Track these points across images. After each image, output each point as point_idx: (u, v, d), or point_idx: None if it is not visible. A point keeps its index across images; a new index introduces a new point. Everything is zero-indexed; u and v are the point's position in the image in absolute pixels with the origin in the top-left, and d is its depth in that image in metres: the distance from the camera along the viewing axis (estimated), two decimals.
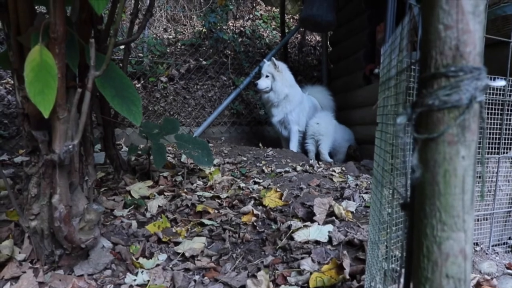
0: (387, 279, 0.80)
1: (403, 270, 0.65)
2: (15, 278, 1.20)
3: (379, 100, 0.91)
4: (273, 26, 6.88)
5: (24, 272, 1.21)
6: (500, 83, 0.48)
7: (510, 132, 1.51)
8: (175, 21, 6.22)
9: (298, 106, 3.89)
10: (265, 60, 3.88)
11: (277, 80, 3.77)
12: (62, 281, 1.19)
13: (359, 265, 1.26)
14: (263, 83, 3.77)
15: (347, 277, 1.16)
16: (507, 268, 1.39)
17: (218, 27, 5.38)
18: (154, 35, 4.97)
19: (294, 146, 3.86)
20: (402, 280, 0.70)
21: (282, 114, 3.85)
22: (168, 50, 4.88)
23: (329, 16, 4.25)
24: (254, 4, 7.02)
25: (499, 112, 1.50)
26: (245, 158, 3.13)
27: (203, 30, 5.37)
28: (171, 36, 5.06)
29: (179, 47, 5.03)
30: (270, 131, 4.62)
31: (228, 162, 3.00)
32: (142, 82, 4.07)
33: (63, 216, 1.08)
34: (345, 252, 1.29)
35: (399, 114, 0.54)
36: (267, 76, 3.78)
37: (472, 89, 0.46)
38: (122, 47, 4.44)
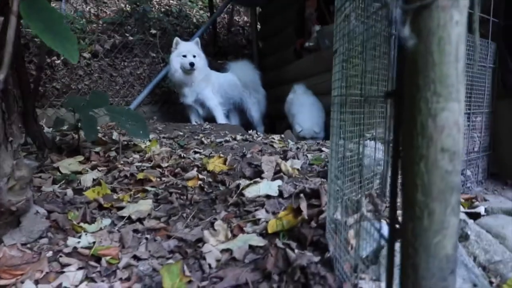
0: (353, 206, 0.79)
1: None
2: None
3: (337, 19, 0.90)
4: (199, 6, 6.72)
5: None
6: None
7: None
8: None
9: (209, 84, 3.92)
10: (177, 39, 3.76)
11: (202, 59, 3.78)
12: None
13: (314, 209, 1.26)
14: (197, 63, 3.69)
15: (306, 217, 1.15)
16: None
17: (141, 5, 5.11)
18: (73, 10, 4.58)
19: (221, 120, 3.86)
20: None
21: (195, 93, 3.83)
22: (88, 28, 4.53)
23: None
24: None
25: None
26: (181, 133, 3.03)
27: (126, 7, 5.07)
28: (93, 10, 4.70)
29: (101, 24, 4.70)
30: None
31: (164, 137, 2.87)
32: (62, 58, 3.73)
33: None
34: (301, 195, 1.28)
35: None
36: (194, 56, 3.70)
37: None
38: None
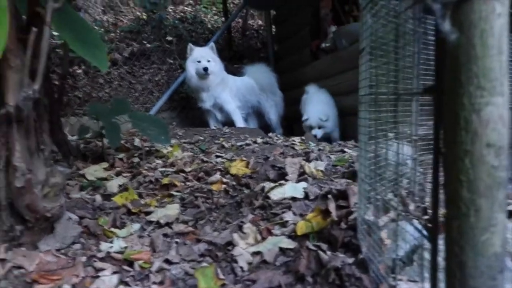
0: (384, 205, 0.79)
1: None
2: None
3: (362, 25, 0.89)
4: (214, 11, 6.78)
5: None
6: None
7: None
8: (111, 8, 5.91)
9: (226, 88, 3.93)
10: (191, 45, 3.79)
11: (217, 63, 3.79)
12: (27, 257, 1.05)
13: (342, 211, 1.25)
14: (212, 67, 3.71)
15: (335, 219, 1.14)
16: None
17: (157, 12, 5.18)
18: (91, 20, 4.67)
19: (240, 123, 3.86)
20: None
21: (213, 98, 3.84)
22: (106, 38, 4.61)
23: None
24: None
25: None
26: (202, 138, 3.05)
27: (142, 15, 5.15)
28: (111, 19, 4.78)
29: (118, 33, 4.78)
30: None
31: (185, 142, 2.89)
32: (83, 67, 3.81)
33: (26, 178, 0.95)
34: (329, 196, 1.27)
35: None
36: (208, 61, 3.72)
37: None
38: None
